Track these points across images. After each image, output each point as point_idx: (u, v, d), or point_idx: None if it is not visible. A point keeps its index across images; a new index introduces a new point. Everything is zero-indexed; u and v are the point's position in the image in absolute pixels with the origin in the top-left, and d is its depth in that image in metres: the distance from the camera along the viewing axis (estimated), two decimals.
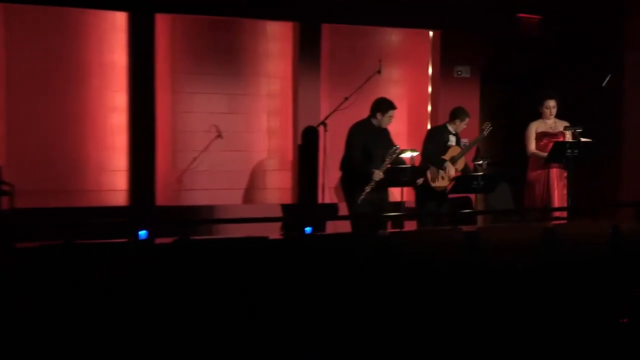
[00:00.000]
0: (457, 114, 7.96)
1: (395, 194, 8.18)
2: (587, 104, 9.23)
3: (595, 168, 8.69)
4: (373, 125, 7.54)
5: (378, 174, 7.26)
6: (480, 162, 7.91)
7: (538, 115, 7.93)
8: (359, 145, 7.44)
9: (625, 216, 7.70)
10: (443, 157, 7.81)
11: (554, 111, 7.89)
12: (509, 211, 8.95)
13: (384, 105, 7.53)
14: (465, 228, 5.63)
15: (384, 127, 7.56)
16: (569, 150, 7.37)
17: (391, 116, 7.51)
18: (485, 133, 8.07)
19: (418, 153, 7.84)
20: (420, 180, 7.57)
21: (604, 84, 7.98)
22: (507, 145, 9.62)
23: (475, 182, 7.36)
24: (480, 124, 9.39)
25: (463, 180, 7.46)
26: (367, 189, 7.23)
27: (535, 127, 7.91)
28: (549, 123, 7.91)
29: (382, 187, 7.40)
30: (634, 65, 9.16)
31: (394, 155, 7.33)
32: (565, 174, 7.74)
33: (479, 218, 8.76)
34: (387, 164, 7.27)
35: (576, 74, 9.60)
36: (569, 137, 7.75)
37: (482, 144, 8.78)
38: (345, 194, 7.56)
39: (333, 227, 7.69)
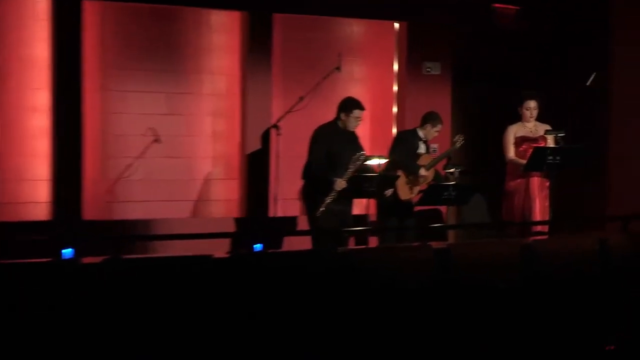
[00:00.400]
0: (427, 118, 8.05)
1: (360, 206, 8.24)
2: (571, 105, 9.39)
3: (580, 177, 8.84)
4: (339, 129, 7.57)
5: (340, 184, 7.28)
6: (452, 170, 8.00)
7: (517, 118, 8.05)
8: (321, 151, 7.45)
9: (613, 229, 7.84)
10: None
11: (535, 113, 7.99)
12: (485, 225, 9.06)
13: (348, 105, 7.56)
14: (434, 244, 5.69)
15: (351, 129, 7.60)
16: (550, 157, 7.47)
17: (357, 117, 7.53)
18: (457, 146, 8.17)
19: (387, 160, 7.90)
20: (389, 192, 7.63)
21: (588, 83, 8.13)
22: (483, 152, 9.74)
23: (446, 193, 7.44)
24: (453, 126, 9.50)
25: (433, 191, 7.54)
26: (328, 200, 7.25)
27: (514, 131, 8.01)
28: (529, 126, 8.01)
29: (346, 198, 7.44)
30: (621, 63, 9.35)
31: (359, 162, 7.36)
32: (548, 184, 7.85)
33: (451, 233, 8.86)
34: (350, 172, 7.31)
35: (559, 72, 9.76)
36: (550, 142, 7.87)
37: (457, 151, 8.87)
38: (306, 206, 7.58)
39: (296, 243, 7.70)
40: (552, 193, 7.79)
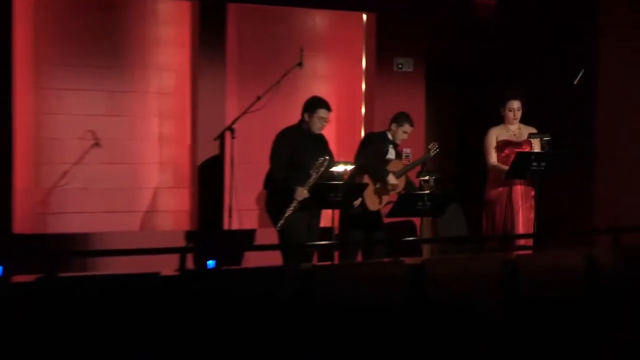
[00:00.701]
0: (393, 118, 8.07)
1: (325, 217, 8.22)
2: (557, 106, 9.46)
3: (566, 186, 8.90)
4: (304, 132, 7.55)
5: (301, 193, 7.25)
6: (427, 177, 8.00)
7: (500, 120, 8.09)
8: (282, 157, 7.42)
9: (602, 244, 7.89)
10: None
11: (519, 114, 8.03)
12: (463, 239, 9.09)
13: (312, 104, 7.56)
14: (407, 260, 5.67)
15: (316, 131, 7.57)
16: (534, 163, 7.51)
17: (323, 117, 7.51)
18: (431, 154, 8.19)
19: (358, 167, 7.89)
20: (357, 201, 7.61)
21: (575, 82, 8.19)
22: (461, 157, 9.78)
23: (420, 203, 7.44)
24: (427, 129, 9.53)
25: (405, 201, 7.53)
26: (288, 211, 7.23)
27: (495, 134, 8.04)
28: (513, 129, 8.05)
29: (311, 208, 7.42)
30: (609, 60, 9.43)
31: (322, 169, 7.35)
32: (533, 193, 7.88)
33: (425, 248, 8.87)
34: (313, 180, 7.29)
35: (544, 70, 9.83)
36: (536, 146, 7.90)
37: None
38: (270, 218, 7.55)
39: (255, 259, 7.65)
40: (537, 202, 7.82)
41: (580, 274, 6.01)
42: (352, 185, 7.57)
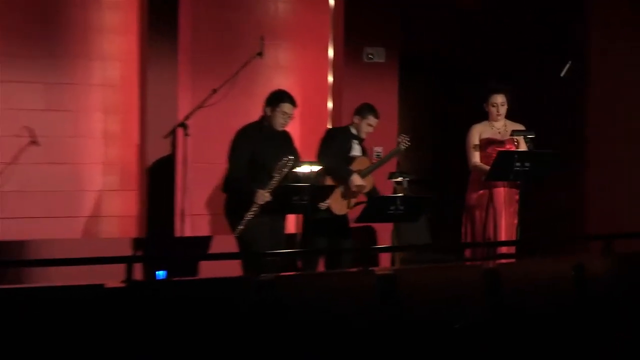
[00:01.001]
0: (357, 110, 8.10)
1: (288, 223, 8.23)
2: (544, 105, 9.51)
3: (554, 189, 8.95)
4: (267, 129, 7.54)
5: (262, 196, 7.23)
6: (400, 179, 8.02)
7: (484, 116, 8.13)
8: (242, 157, 7.41)
9: (592, 251, 7.95)
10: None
11: (503, 110, 8.06)
12: (440, 247, 9.13)
13: (275, 98, 7.56)
14: (378, 270, 5.69)
15: (278, 128, 7.55)
16: (517, 163, 7.54)
17: (286, 113, 7.50)
18: (401, 148, 8.21)
19: (321, 168, 7.90)
20: (324, 205, 7.62)
21: (563, 74, 8.23)
22: (440, 157, 9.82)
23: (392, 207, 7.45)
24: (400, 126, 9.55)
25: (376, 204, 7.54)
26: (248, 216, 7.22)
27: (478, 132, 8.07)
28: (498, 126, 8.08)
29: (275, 212, 7.42)
30: (599, 51, 9.51)
31: (285, 169, 7.34)
32: (517, 197, 7.92)
33: (384, 257, 8.92)
34: (275, 182, 7.28)
35: (532, 65, 9.88)
36: (522, 145, 7.91)
37: (403, 155, 8.93)
38: (229, 224, 7.54)
39: (210, 269, 7.63)
40: (521, 207, 7.86)
41: (569, 284, 6.05)
42: (318, 188, 7.56)
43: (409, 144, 8.21)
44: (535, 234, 8.41)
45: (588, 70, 9.49)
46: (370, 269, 5.76)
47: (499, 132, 8.06)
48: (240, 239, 7.31)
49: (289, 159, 7.36)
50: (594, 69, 9.54)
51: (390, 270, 5.83)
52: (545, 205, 8.94)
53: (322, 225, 7.86)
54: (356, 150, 8.06)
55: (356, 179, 7.82)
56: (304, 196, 7.25)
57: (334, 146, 7.94)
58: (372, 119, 8.06)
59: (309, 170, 7.80)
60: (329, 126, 9.49)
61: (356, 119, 8.08)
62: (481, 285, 5.75)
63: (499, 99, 8.04)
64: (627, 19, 9.39)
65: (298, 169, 7.65)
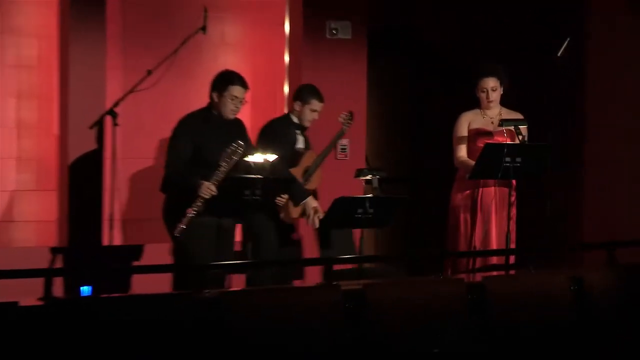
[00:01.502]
0: (297, 95, 8.13)
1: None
2: (539, 97, 9.55)
3: (549, 191, 8.98)
4: (214, 118, 7.54)
5: (207, 188, 7.20)
6: (369, 177, 8.00)
7: (473, 103, 8.16)
8: (184, 151, 7.38)
9: (593, 262, 8.01)
10: (292, 169, 7.88)
11: (494, 96, 8.08)
12: (422, 256, 9.14)
13: (222, 81, 7.54)
14: (344, 284, 5.71)
15: (229, 116, 7.53)
16: (507, 159, 7.57)
17: (237, 97, 7.45)
18: (345, 127, 8.21)
19: (277, 157, 7.87)
20: (282, 200, 7.61)
21: (560, 53, 8.27)
22: (417, 150, 9.84)
23: (360, 210, 7.46)
24: (370, 115, 9.57)
25: (342, 206, 7.54)
26: (190, 212, 7.17)
27: (467, 121, 8.12)
28: (491, 115, 8.12)
29: (222, 212, 7.40)
30: (600, 51, 9.60)
31: (235, 157, 7.30)
32: (513, 199, 7.94)
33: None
34: (223, 172, 7.24)
35: (523, 37, 9.93)
36: (522, 137, 7.93)
37: (374, 148, 8.95)
38: (168, 229, 7.53)
39: (144, 284, 7.61)
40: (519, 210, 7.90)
41: (567, 299, 6.12)
42: (274, 180, 7.53)
43: (351, 121, 8.23)
44: (528, 242, 8.45)
45: (586, 67, 9.56)
46: (335, 283, 5.77)
47: (492, 122, 8.09)
48: (180, 244, 7.29)
49: (240, 145, 7.30)
50: (592, 66, 9.62)
51: (358, 285, 5.84)
52: (537, 208, 8.97)
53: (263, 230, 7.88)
54: (300, 142, 8.09)
55: (311, 201, 7.80)
56: (257, 190, 7.22)
57: (273, 141, 7.85)
58: (315, 104, 8.07)
59: (264, 160, 7.71)
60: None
61: (297, 105, 8.10)
62: (464, 301, 5.79)
63: (490, 82, 8.05)
64: (626, 18, 9.49)
65: (251, 158, 7.60)
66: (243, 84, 7.55)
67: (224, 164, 7.22)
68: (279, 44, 9.71)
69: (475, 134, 8.07)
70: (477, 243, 7.94)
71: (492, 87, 8.06)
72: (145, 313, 5.08)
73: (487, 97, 8.06)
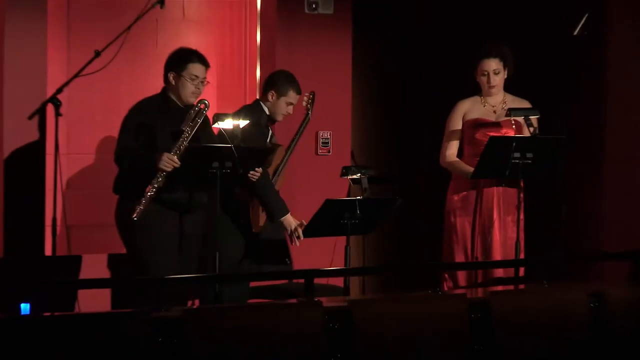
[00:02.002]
0: (271, 82, 8.09)
1: None
2: (552, 69, 9.59)
3: (563, 193, 9.02)
4: (171, 103, 7.58)
5: (169, 159, 7.19)
6: (358, 175, 7.97)
7: (474, 89, 8.22)
8: (132, 131, 7.43)
9: (615, 275, 8.05)
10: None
11: (497, 80, 8.08)
12: (410, 267, 9.19)
13: (177, 59, 7.57)
14: (325, 301, 5.75)
15: (191, 101, 7.52)
16: (515, 154, 7.63)
17: (197, 77, 7.49)
18: (309, 111, 8.20)
19: (248, 122, 7.85)
20: (255, 174, 7.57)
21: (576, 32, 8.29)
22: (414, 146, 9.88)
23: (347, 214, 7.48)
24: (356, 103, 9.58)
25: (331, 209, 7.55)
26: (151, 190, 7.15)
27: (463, 111, 8.14)
28: (493, 103, 8.15)
29: (183, 202, 7.42)
30: (622, 4, 9.63)
31: (199, 119, 7.28)
32: (522, 197, 7.94)
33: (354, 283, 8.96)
34: (185, 139, 7.26)
35: (533, 13, 9.96)
36: (526, 129, 7.93)
37: (360, 142, 8.98)
38: (122, 237, 7.56)
39: (93, 300, 7.64)
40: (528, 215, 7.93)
41: (585, 318, 6.14)
42: (247, 150, 7.48)
43: (312, 99, 8.21)
44: (540, 251, 8.47)
45: (608, 48, 9.59)
46: (317, 299, 5.80)
47: (494, 111, 8.11)
48: (134, 252, 7.36)
49: (204, 104, 7.27)
50: (614, 47, 9.65)
51: (344, 302, 5.87)
52: (550, 212, 9.00)
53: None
54: (271, 137, 8.10)
55: (289, 220, 7.82)
56: (226, 161, 7.25)
57: (251, 137, 7.79)
58: (292, 96, 8.03)
59: (233, 126, 7.65)
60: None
61: (270, 95, 8.05)
62: (467, 322, 5.82)
63: (492, 64, 8.05)
64: None
65: (220, 125, 7.57)
66: (203, 62, 7.58)
67: (187, 129, 7.22)
68: (251, 20, 9.71)
69: (474, 125, 8.07)
70: (478, 253, 7.97)
71: (494, 69, 8.04)
72: (94, 335, 5.10)
73: (489, 82, 8.04)
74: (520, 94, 8.23)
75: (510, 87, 8.19)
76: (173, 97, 7.57)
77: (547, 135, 7.75)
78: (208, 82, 7.69)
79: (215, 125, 7.60)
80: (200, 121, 7.27)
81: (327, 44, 9.59)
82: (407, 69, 10.42)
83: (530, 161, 7.58)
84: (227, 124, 7.54)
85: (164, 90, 7.62)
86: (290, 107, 8.07)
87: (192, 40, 9.35)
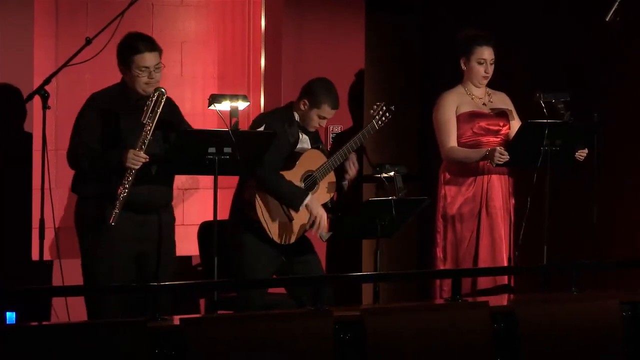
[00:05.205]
0: (307, 91, 8.05)
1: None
2: (581, 58, 9.62)
3: (596, 189, 9.04)
4: (130, 94, 7.60)
5: (135, 155, 7.21)
6: (392, 173, 7.93)
7: (458, 79, 8.34)
8: (88, 128, 7.53)
9: None
10: (287, 172, 7.93)
11: (491, 70, 8.23)
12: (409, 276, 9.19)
13: (123, 51, 7.57)
14: (335, 310, 5.77)
15: (148, 91, 7.47)
16: (546, 141, 7.69)
17: (146, 67, 7.49)
18: (376, 125, 8.21)
19: (247, 103, 7.83)
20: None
21: (608, 18, 8.30)
22: (431, 140, 9.91)
23: (381, 215, 7.50)
24: (370, 93, 9.60)
25: (369, 211, 7.57)
26: (123, 191, 7.22)
27: (455, 103, 8.26)
28: (478, 94, 8.32)
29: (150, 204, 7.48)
30: None
31: (157, 109, 7.25)
32: (511, 187, 8.13)
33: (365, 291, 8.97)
34: (149, 132, 7.25)
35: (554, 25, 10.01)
36: (516, 121, 8.09)
37: (372, 137, 9.01)
38: (79, 238, 7.62)
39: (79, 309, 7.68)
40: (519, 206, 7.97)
41: (617, 329, 6.17)
42: (249, 134, 7.60)
43: (389, 115, 8.21)
44: (563, 256, 8.49)
45: None
46: (327, 309, 5.82)
47: (484, 103, 8.26)
48: (89, 260, 7.49)
49: (160, 93, 7.27)
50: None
51: (356, 312, 5.89)
52: (580, 213, 9.00)
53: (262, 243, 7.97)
54: (304, 142, 8.09)
55: (312, 203, 7.85)
56: (224, 147, 7.23)
57: (278, 148, 7.84)
58: (327, 110, 7.99)
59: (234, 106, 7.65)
60: (262, 95, 9.46)
61: (303, 105, 8.02)
62: (489, 334, 5.84)
63: (487, 52, 8.19)
64: None
65: (217, 107, 7.49)
66: (151, 47, 7.58)
67: (148, 121, 7.25)
68: (254, 3, 9.75)
69: (469, 117, 8.20)
70: (485, 255, 8.05)
71: (491, 59, 8.19)
72: (85, 345, 5.13)
73: (486, 71, 8.19)
74: (550, 84, 8.29)
75: (542, 78, 8.25)
76: (140, 90, 7.58)
77: (579, 122, 7.79)
78: (164, 65, 7.66)
79: (212, 107, 7.64)
80: (159, 111, 7.28)
81: (338, 28, 9.59)
82: (429, 54, 10.41)
83: (557, 149, 7.68)
84: (224, 105, 7.63)
85: (123, 79, 7.68)
86: (323, 121, 8.07)
87: (189, 24, 9.42)
